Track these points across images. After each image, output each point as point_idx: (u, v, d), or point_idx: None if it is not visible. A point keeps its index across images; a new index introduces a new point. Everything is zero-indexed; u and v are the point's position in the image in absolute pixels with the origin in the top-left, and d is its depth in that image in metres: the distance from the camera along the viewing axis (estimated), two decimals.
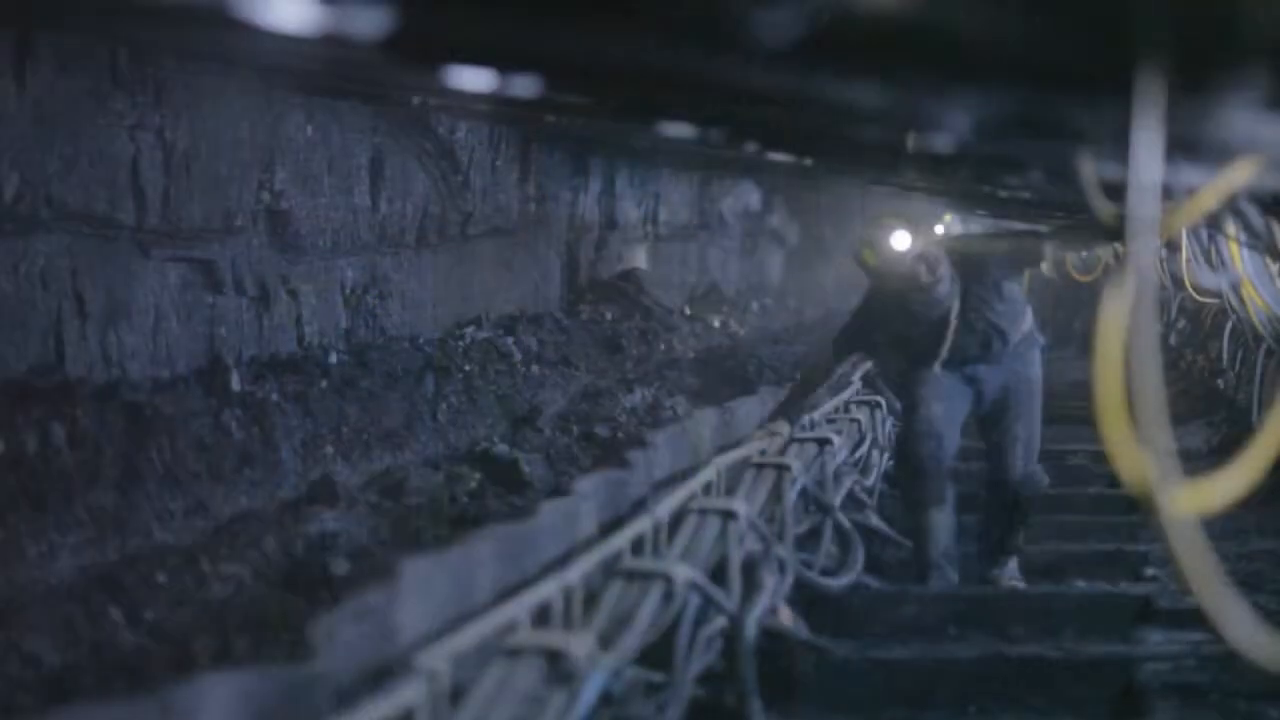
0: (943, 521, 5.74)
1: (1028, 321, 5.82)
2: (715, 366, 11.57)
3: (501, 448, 7.97)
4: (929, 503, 5.74)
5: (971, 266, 5.56)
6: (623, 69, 2.38)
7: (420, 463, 7.33)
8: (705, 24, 1.56)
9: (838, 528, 5.36)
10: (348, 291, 7.97)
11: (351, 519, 6.14)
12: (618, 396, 9.76)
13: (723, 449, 5.18)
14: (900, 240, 5.31)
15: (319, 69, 5.81)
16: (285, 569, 5.44)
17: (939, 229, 5.59)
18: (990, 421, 5.81)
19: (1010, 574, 5.77)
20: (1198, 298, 8.64)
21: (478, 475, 7.25)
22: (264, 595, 5.17)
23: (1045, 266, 16.13)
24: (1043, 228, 7.67)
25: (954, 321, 5.57)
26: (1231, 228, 4.92)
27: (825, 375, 5.98)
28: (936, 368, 5.67)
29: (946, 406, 5.73)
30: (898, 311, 5.57)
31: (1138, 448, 1.47)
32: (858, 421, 6.48)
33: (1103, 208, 2.13)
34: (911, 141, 3.44)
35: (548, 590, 3.23)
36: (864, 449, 6.49)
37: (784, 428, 5.22)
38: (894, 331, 5.68)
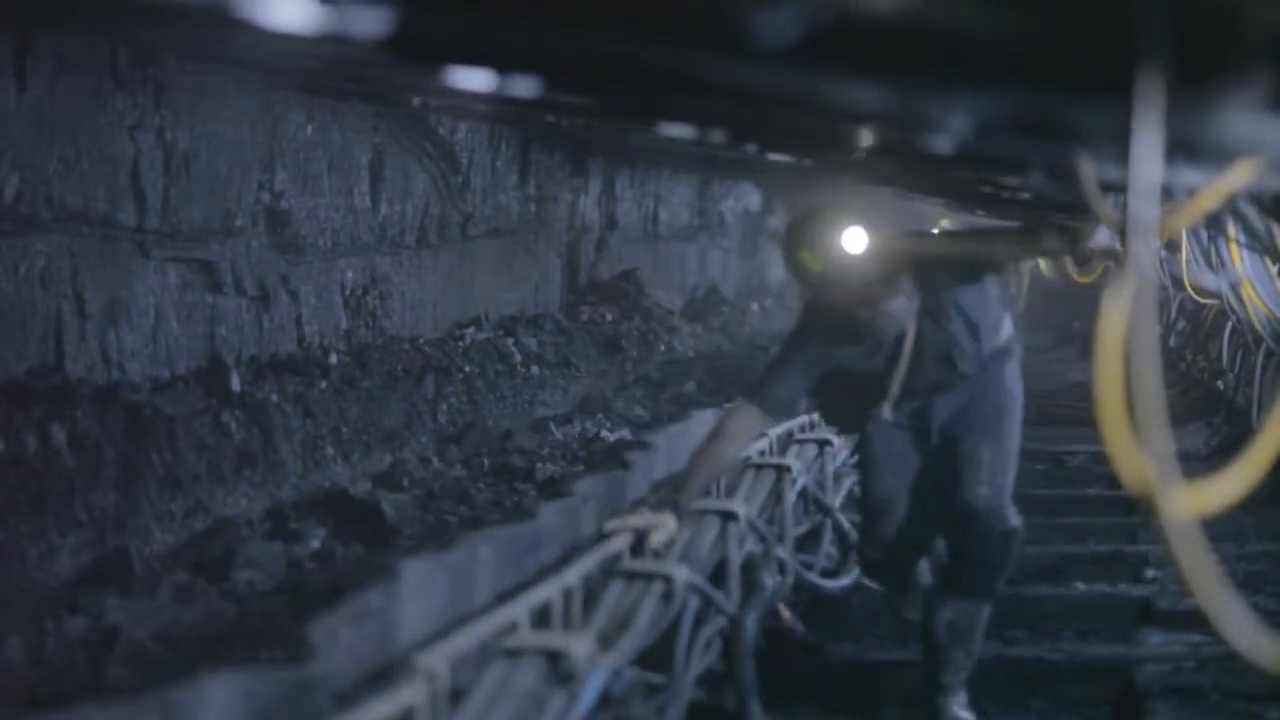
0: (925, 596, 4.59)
1: (1005, 330, 4.55)
2: (694, 373, 11.37)
3: (363, 487, 6.67)
4: (912, 603, 4.65)
5: (931, 273, 4.33)
6: (622, 69, 2.39)
7: (264, 512, 6.04)
8: (706, 24, 1.56)
9: (837, 529, 5.36)
10: (348, 292, 7.97)
11: (146, 609, 4.67)
12: (547, 426, 8.72)
13: (573, 550, 4.12)
14: (854, 240, 4.04)
15: (319, 69, 5.82)
16: (26, 684, 4.02)
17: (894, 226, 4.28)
18: (943, 450, 4.47)
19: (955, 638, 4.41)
20: (1198, 299, 8.64)
21: (323, 531, 5.94)
22: None
23: (1044, 266, 16.06)
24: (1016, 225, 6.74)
25: (909, 345, 4.34)
26: (1231, 229, 4.92)
27: (727, 442, 4.38)
28: (887, 410, 4.44)
29: (904, 475, 4.52)
30: (844, 336, 4.31)
31: (1137, 449, 1.47)
32: None
33: (1103, 208, 2.13)
34: (912, 142, 3.44)
35: (547, 591, 3.23)
36: None
37: (669, 520, 4.03)
38: (838, 364, 4.39)
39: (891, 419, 4.45)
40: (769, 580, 4.42)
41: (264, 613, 4.82)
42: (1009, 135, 2.57)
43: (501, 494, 6.92)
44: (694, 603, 3.80)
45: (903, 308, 4.23)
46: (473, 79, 3.82)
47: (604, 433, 8.76)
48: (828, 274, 4.09)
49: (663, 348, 12.01)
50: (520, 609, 3.09)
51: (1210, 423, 8.90)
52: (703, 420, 6.46)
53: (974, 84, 1.72)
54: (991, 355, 4.46)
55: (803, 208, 4.41)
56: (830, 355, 4.34)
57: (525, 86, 3.84)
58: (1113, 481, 6.70)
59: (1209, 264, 6.64)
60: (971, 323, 4.39)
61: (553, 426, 8.76)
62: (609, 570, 3.71)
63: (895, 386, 4.38)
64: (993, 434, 4.44)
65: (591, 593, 3.53)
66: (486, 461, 7.54)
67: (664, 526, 3.99)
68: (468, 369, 8.61)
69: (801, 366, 4.37)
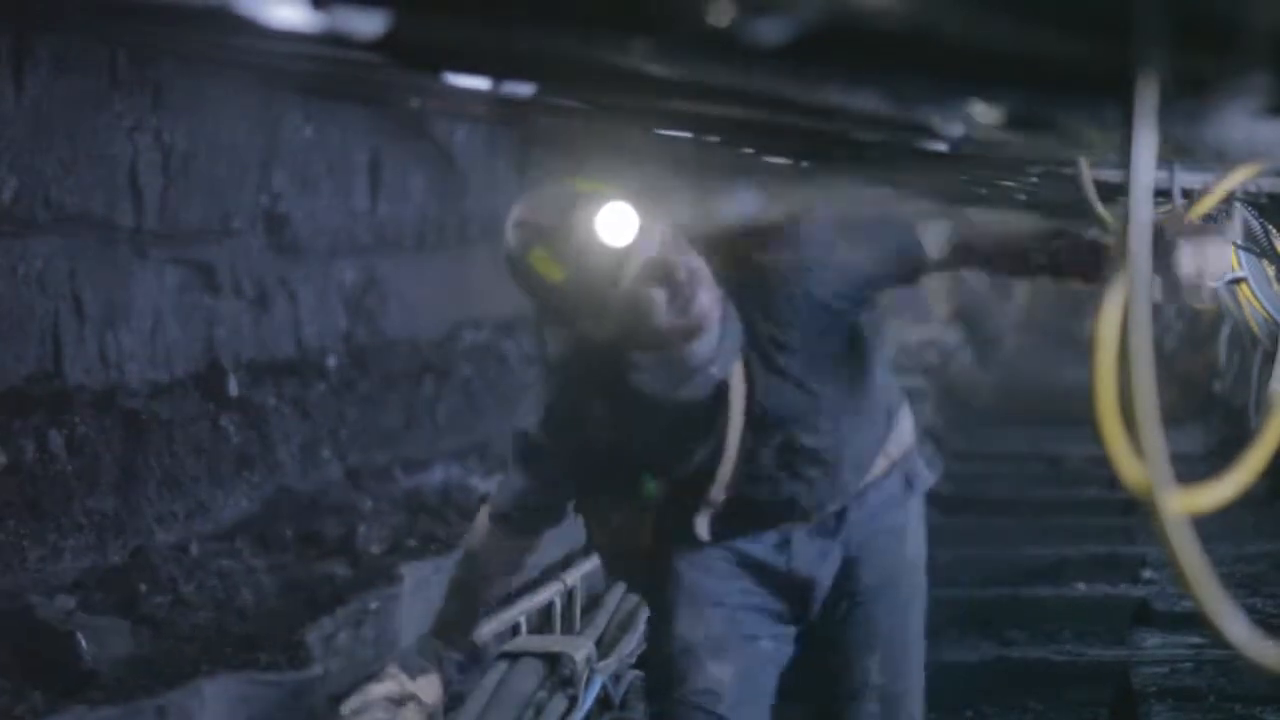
0: None
1: (902, 422, 2.84)
2: None
3: (61, 604, 4.33)
4: None
5: (770, 286, 2.60)
6: (621, 72, 2.39)
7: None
8: (701, 27, 1.56)
9: None
10: (346, 294, 7.98)
11: None
12: (392, 473, 6.90)
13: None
14: (618, 225, 2.40)
15: (318, 70, 5.82)
16: None
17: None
18: (825, 653, 2.88)
19: None
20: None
21: None
22: None
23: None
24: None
25: (734, 415, 2.60)
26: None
27: (478, 567, 2.77)
28: (702, 527, 2.70)
29: (747, 661, 2.76)
30: (611, 392, 2.57)
31: (1134, 450, 1.48)
32: None
33: (1100, 210, 2.13)
34: (908, 143, 3.45)
35: (549, 594, 3.24)
36: None
37: (429, 684, 2.68)
38: (606, 444, 2.64)
39: (710, 539, 2.71)
40: None
41: None
42: (1005, 138, 2.57)
43: (296, 579, 4.95)
44: None
45: (715, 348, 2.48)
46: (471, 81, 3.83)
47: (473, 480, 7.21)
48: (576, 287, 2.41)
49: None
50: (521, 611, 3.09)
51: (1207, 424, 8.91)
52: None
53: (969, 87, 1.73)
54: (882, 471, 2.78)
55: (543, 182, 2.73)
56: (582, 429, 2.63)
57: (524, 89, 3.84)
58: (1110, 482, 6.71)
59: None
60: (836, 387, 2.65)
61: (399, 473, 6.92)
62: None
63: (717, 490, 2.65)
64: (891, 642, 2.92)
65: (593, 595, 3.53)
66: (289, 531, 5.75)
67: (424, 692, 2.63)
68: (466, 371, 8.62)
69: (550, 452, 2.67)
